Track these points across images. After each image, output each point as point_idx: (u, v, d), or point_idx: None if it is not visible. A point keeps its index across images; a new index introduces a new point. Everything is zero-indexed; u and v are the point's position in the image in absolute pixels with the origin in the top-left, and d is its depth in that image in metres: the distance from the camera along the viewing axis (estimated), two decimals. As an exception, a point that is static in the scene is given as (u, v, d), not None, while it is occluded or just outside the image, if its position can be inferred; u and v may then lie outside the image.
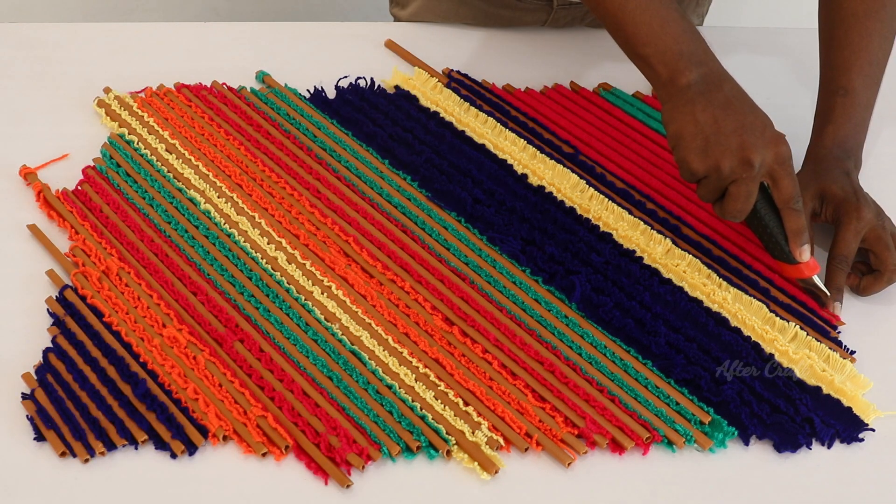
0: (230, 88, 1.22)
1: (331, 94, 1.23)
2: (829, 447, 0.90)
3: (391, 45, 1.31)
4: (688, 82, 0.97)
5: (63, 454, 0.84)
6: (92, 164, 1.11)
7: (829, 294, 1.01)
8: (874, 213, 1.05)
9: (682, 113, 0.97)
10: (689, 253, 1.05)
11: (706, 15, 1.45)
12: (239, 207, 1.06)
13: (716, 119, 0.95)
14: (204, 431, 0.86)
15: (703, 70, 0.98)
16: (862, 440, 0.91)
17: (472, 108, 1.21)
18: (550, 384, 0.92)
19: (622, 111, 1.23)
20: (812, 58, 1.18)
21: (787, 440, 0.90)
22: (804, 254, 0.99)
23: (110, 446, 0.84)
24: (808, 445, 0.90)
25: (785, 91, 1.31)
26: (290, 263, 1.01)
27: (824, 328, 1.00)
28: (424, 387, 0.90)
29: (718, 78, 0.98)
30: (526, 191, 1.11)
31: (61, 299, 0.95)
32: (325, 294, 0.98)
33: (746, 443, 0.90)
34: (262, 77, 1.24)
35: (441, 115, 1.20)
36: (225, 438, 0.86)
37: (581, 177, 1.13)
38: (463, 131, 1.19)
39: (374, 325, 0.95)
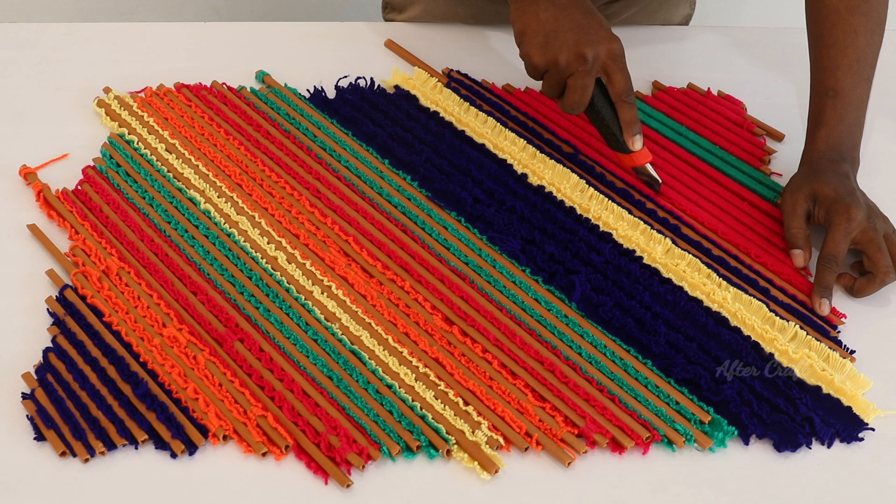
0: (230, 88, 1.22)
1: (331, 94, 1.23)
2: (828, 447, 0.90)
3: (391, 45, 1.31)
4: None
5: (63, 454, 0.84)
6: (92, 164, 1.11)
7: (660, 182, 1.09)
8: (865, 214, 1.04)
9: (527, 13, 1.05)
10: (689, 252, 1.05)
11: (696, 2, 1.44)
12: (239, 207, 1.06)
13: (556, 18, 1.04)
14: (204, 431, 0.86)
15: None
16: (862, 440, 0.91)
17: (472, 107, 1.21)
18: (550, 384, 0.92)
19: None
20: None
21: (787, 439, 0.90)
22: (636, 143, 1.08)
23: (110, 446, 0.84)
24: (808, 445, 0.90)
25: (784, 91, 1.31)
26: (290, 263, 1.01)
27: (824, 328, 1.00)
28: (424, 386, 0.90)
29: None
30: (526, 191, 1.11)
31: (61, 299, 0.95)
32: (325, 294, 0.98)
33: (746, 442, 0.90)
34: (262, 77, 1.24)
35: (441, 115, 1.20)
36: (225, 438, 0.86)
37: (581, 177, 1.13)
38: (463, 131, 1.19)
39: (374, 324, 0.95)
